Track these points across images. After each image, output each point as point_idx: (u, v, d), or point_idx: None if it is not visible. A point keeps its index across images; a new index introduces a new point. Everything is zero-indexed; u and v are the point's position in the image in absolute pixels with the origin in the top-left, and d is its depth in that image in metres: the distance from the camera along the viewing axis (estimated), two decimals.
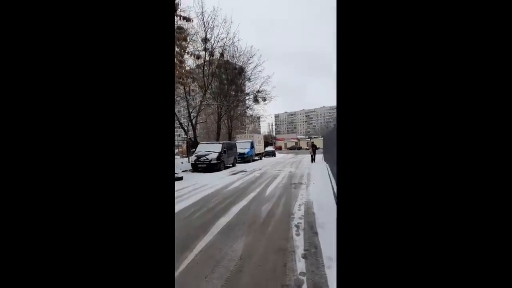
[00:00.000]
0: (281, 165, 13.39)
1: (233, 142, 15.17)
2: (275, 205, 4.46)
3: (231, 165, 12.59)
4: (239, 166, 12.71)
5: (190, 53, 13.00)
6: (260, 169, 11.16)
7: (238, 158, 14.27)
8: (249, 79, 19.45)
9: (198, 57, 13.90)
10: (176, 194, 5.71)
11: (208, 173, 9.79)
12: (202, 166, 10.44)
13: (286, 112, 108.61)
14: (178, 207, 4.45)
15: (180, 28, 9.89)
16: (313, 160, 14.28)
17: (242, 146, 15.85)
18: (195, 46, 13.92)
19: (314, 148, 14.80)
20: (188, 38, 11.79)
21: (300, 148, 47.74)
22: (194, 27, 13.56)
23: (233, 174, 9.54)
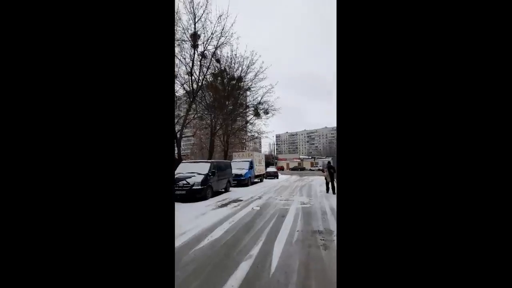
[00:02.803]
0: (287, 191, 10.46)
1: (227, 161, 12.32)
2: None
3: (223, 190, 9.70)
4: (234, 192, 9.79)
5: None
6: (260, 197, 8.24)
7: (234, 181, 11.38)
8: (249, 89, 17.04)
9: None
10: None
11: (188, 204, 6.90)
12: (181, 194, 7.48)
13: (287, 132, 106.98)
14: None
15: None
16: (333, 189, 8.92)
17: (238, 166, 13.05)
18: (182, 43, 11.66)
19: (331, 171, 8.86)
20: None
21: (303, 169, 44.86)
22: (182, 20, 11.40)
23: (222, 205, 6.65)
